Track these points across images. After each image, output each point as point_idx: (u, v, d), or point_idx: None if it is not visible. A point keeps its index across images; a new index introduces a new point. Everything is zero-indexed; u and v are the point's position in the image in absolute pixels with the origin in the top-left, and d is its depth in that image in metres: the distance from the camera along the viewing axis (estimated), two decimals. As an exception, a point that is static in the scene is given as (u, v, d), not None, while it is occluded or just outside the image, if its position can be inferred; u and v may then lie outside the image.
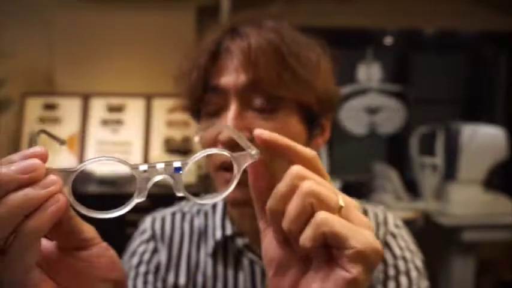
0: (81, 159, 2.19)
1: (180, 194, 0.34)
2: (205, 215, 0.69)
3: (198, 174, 1.99)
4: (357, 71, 2.36)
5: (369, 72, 2.34)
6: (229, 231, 0.65)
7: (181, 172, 0.34)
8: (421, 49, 2.88)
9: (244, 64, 0.55)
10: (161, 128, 2.25)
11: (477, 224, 2.04)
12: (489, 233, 2.07)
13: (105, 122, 2.26)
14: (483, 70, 2.91)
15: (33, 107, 2.25)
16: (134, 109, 2.26)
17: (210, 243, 0.66)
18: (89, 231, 0.35)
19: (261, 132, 0.34)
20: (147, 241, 0.69)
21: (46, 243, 0.34)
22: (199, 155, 0.35)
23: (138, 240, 0.70)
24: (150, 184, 0.34)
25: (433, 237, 2.11)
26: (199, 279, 0.65)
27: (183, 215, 0.71)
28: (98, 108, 2.27)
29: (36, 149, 0.31)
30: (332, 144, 2.49)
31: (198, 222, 0.69)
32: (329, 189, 0.33)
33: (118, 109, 2.27)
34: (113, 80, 2.30)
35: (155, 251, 0.68)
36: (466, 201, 2.08)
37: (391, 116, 2.31)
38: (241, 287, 0.64)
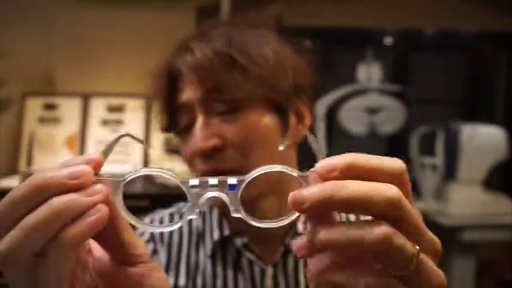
0: (81, 159, 2.19)
1: (236, 215, 0.31)
2: (203, 216, 0.69)
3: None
4: (357, 71, 2.36)
5: (369, 72, 2.34)
6: (227, 231, 0.65)
7: (236, 190, 0.31)
8: (421, 49, 2.87)
9: (197, 78, 0.57)
10: (161, 128, 2.25)
11: (477, 224, 2.04)
12: (489, 233, 2.07)
13: (105, 122, 2.26)
14: (483, 70, 2.91)
15: (33, 107, 2.25)
16: (134, 109, 2.26)
17: (209, 244, 0.66)
18: (139, 247, 0.33)
19: (326, 163, 0.28)
20: (147, 242, 0.69)
21: (104, 254, 0.33)
22: (259, 171, 0.31)
23: None
24: (202, 200, 0.31)
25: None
26: (199, 280, 0.65)
27: (181, 216, 0.70)
28: (98, 108, 2.27)
29: (91, 155, 0.31)
30: (332, 144, 2.49)
31: (196, 223, 0.69)
32: (406, 242, 0.27)
33: (118, 109, 2.27)
34: (113, 80, 2.30)
35: (154, 252, 0.68)
36: (466, 201, 2.08)
37: (391, 116, 2.31)
38: (241, 287, 0.64)
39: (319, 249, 0.27)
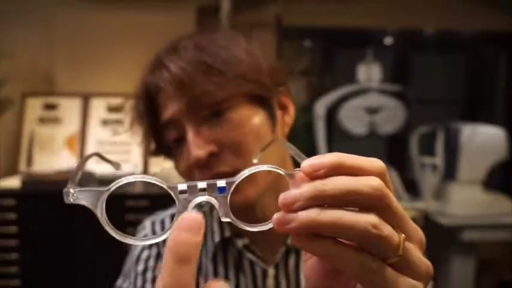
0: (81, 159, 2.20)
1: (226, 219, 0.30)
2: (204, 216, 0.69)
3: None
4: (357, 71, 2.36)
5: (369, 72, 2.34)
6: (227, 233, 0.65)
7: (225, 193, 0.30)
8: (421, 49, 2.88)
9: (175, 91, 0.58)
10: (161, 128, 2.25)
11: (477, 224, 2.04)
12: (489, 233, 2.07)
13: (105, 122, 2.26)
14: (483, 70, 2.91)
15: (33, 107, 2.25)
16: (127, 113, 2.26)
17: (210, 246, 0.66)
18: None
19: (311, 163, 0.29)
20: (150, 246, 0.69)
21: None
22: (247, 172, 0.31)
23: (140, 246, 0.70)
24: (191, 207, 0.30)
25: (433, 237, 2.10)
26: (201, 281, 0.65)
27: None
28: (98, 108, 2.27)
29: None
30: (332, 144, 2.49)
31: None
32: (391, 230, 0.28)
33: (118, 109, 2.27)
34: (113, 80, 2.30)
35: (159, 256, 0.68)
36: (466, 201, 2.08)
37: (391, 116, 2.31)
38: (243, 287, 0.64)
39: (305, 228, 0.28)
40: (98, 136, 2.24)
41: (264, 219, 0.31)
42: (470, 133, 2.11)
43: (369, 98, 2.32)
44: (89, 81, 2.31)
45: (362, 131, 2.32)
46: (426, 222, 2.08)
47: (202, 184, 0.29)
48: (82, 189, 0.30)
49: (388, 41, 2.79)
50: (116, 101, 2.27)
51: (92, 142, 2.22)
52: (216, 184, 0.30)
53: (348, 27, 2.59)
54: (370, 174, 0.29)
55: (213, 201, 0.30)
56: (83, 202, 0.31)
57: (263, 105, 0.60)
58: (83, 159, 0.33)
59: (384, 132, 2.34)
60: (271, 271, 0.64)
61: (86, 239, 1.90)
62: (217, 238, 0.65)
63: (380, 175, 0.30)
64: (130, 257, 0.70)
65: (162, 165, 2.01)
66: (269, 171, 0.31)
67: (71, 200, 0.31)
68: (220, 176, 0.51)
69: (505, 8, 2.49)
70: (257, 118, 0.59)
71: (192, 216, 0.26)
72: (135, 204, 1.80)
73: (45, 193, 1.88)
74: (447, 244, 2.13)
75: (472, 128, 2.14)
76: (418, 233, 0.31)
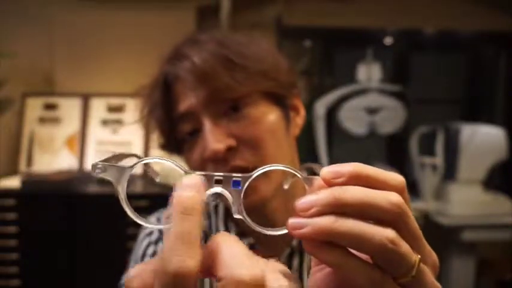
0: (81, 159, 2.19)
1: (238, 216, 0.30)
2: (209, 216, 0.70)
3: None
4: (357, 71, 2.36)
5: (369, 72, 2.34)
6: (233, 232, 0.65)
7: (240, 187, 0.29)
8: (421, 49, 2.87)
9: (196, 81, 0.57)
10: (161, 128, 2.25)
11: (477, 224, 2.04)
12: (489, 233, 2.07)
13: (105, 122, 2.26)
14: (483, 70, 2.91)
15: (33, 107, 2.25)
16: (134, 109, 2.26)
17: None
18: None
19: (331, 170, 0.28)
20: (156, 242, 0.69)
21: None
22: (264, 168, 0.30)
23: (146, 241, 0.70)
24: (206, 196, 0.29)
25: (433, 237, 2.09)
26: (207, 280, 0.65)
27: None
28: (98, 108, 2.27)
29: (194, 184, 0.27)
30: (332, 144, 2.49)
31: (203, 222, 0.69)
32: (408, 249, 0.27)
33: (118, 109, 2.27)
34: (113, 80, 2.30)
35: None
36: (466, 201, 2.08)
37: (391, 116, 2.31)
38: None
39: (319, 235, 0.27)
40: (98, 136, 2.24)
41: (273, 221, 0.30)
42: (470, 133, 2.11)
43: (369, 98, 2.31)
44: (89, 81, 2.31)
45: (362, 131, 2.32)
46: (426, 222, 2.08)
47: (218, 176, 0.29)
48: (108, 164, 0.30)
49: (388, 41, 2.79)
50: (116, 101, 2.27)
51: (92, 142, 2.22)
52: (231, 177, 0.29)
53: (348, 27, 2.59)
54: (390, 188, 0.28)
55: (227, 195, 0.29)
56: (107, 176, 0.31)
57: (279, 104, 0.61)
58: (127, 154, 0.34)
59: (384, 132, 2.34)
60: None
61: (86, 239, 1.90)
62: None
63: (399, 191, 0.28)
64: (135, 254, 0.70)
65: (162, 165, 2.01)
66: (283, 173, 0.31)
67: (97, 172, 0.31)
68: (236, 170, 0.52)
69: (505, 8, 2.49)
70: (274, 116, 0.59)
71: (193, 178, 0.27)
72: (135, 204, 1.79)
73: (45, 193, 1.88)
74: (447, 244, 2.13)
75: (472, 128, 2.14)
76: (433, 256, 0.30)
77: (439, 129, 2.26)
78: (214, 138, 0.55)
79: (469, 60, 2.93)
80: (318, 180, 0.29)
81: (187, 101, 0.58)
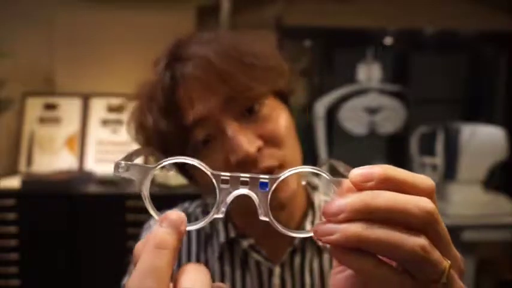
0: (81, 159, 2.19)
1: (264, 219, 0.30)
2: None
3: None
4: (357, 71, 2.36)
5: (369, 72, 2.34)
6: (232, 233, 0.65)
7: (267, 189, 0.29)
8: (421, 49, 2.87)
9: (212, 82, 0.53)
10: (161, 128, 2.25)
11: (477, 224, 2.04)
12: (489, 233, 2.07)
13: (105, 122, 2.26)
14: (483, 70, 2.91)
15: (33, 107, 2.25)
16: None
17: (216, 246, 0.66)
18: None
19: (361, 172, 0.27)
20: None
21: None
22: (293, 170, 0.30)
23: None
24: (230, 198, 0.29)
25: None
26: None
27: (188, 216, 0.71)
28: (98, 108, 2.27)
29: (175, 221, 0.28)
30: (332, 144, 2.49)
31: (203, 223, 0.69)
32: (439, 256, 0.27)
33: (118, 109, 2.27)
34: (113, 80, 2.30)
35: None
36: (466, 201, 2.08)
37: (391, 116, 2.31)
38: (249, 286, 0.64)
39: (349, 242, 0.26)
40: (98, 136, 2.23)
41: (288, 222, 0.30)
42: (470, 133, 2.11)
43: (369, 98, 2.31)
44: (89, 81, 2.31)
45: (362, 131, 2.32)
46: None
47: (244, 176, 0.29)
48: (131, 163, 0.30)
49: (388, 41, 2.79)
50: (116, 101, 2.27)
51: (92, 142, 2.22)
52: (258, 179, 0.29)
53: (348, 27, 2.59)
54: (419, 192, 0.28)
55: (254, 196, 0.29)
56: (130, 176, 0.31)
57: (285, 103, 0.61)
58: (146, 150, 0.34)
59: (384, 132, 2.34)
60: (277, 270, 0.64)
61: (85, 239, 1.89)
62: (222, 238, 0.66)
63: (429, 195, 0.28)
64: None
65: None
66: (301, 175, 0.31)
67: (120, 171, 0.31)
68: (268, 171, 0.51)
69: (505, 8, 2.49)
70: (286, 115, 0.59)
71: (175, 214, 0.28)
72: (135, 204, 1.79)
73: (45, 193, 1.88)
74: (447, 244, 2.13)
75: (472, 128, 2.14)
76: (459, 260, 0.30)
77: (439, 129, 2.26)
78: (245, 142, 0.52)
79: (469, 60, 2.93)
80: (346, 183, 0.28)
81: (202, 104, 0.53)
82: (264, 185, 0.29)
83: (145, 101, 0.58)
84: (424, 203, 0.27)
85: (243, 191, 0.29)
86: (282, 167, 0.54)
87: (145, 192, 0.31)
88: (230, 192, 0.29)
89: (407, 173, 0.28)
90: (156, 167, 0.31)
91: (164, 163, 0.30)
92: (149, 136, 0.58)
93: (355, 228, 0.26)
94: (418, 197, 0.27)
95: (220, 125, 0.54)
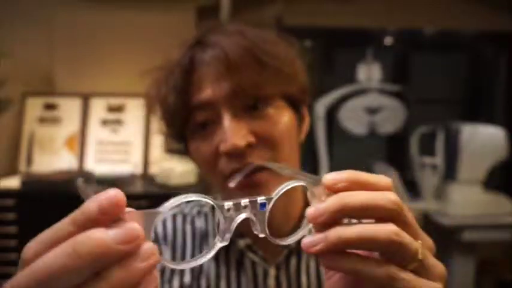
0: (81, 159, 2.19)
1: (261, 235, 0.33)
2: (205, 216, 0.70)
3: (197, 174, 1.99)
4: (357, 71, 2.36)
5: (369, 72, 2.34)
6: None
7: (265, 209, 0.32)
8: (421, 49, 2.88)
9: (224, 72, 0.55)
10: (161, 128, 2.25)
11: (477, 224, 2.04)
12: (489, 233, 2.07)
13: (105, 122, 2.26)
14: (483, 70, 2.91)
15: (33, 107, 2.25)
16: (134, 109, 2.26)
17: (212, 245, 0.66)
18: None
19: (332, 177, 0.31)
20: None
21: None
22: (284, 187, 0.33)
23: None
24: (234, 225, 0.31)
25: (433, 237, 2.10)
26: (203, 281, 0.65)
27: (184, 217, 0.71)
28: (98, 108, 2.27)
29: (112, 194, 0.26)
30: (332, 144, 2.49)
31: (199, 224, 0.69)
32: (410, 238, 0.31)
33: (118, 109, 2.27)
34: (113, 80, 2.30)
35: (159, 253, 0.68)
36: (466, 201, 2.08)
37: (391, 116, 2.31)
38: (244, 287, 0.64)
39: (333, 247, 0.30)
40: (98, 136, 2.23)
41: (283, 225, 0.33)
42: (470, 133, 2.11)
43: (369, 98, 2.31)
44: (89, 81, 2.31)
45: (362, 131, 2.32)
46: (426, 222, 2.08)
47: (245, 201, 0.31)
48: (131, 211, 0.28)
49: (388, 41, 2.79)
50: (116, 101, 2.27)
51: (91, 142, 2.22)
52: (257, 201, 0.32)
53: (348, 27, 2.59)
54: (381, 189, 0.31)
55: (253, 218, 0.32)
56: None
57: (294, 108, 0.61)
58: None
59: (384, 132, 2.34)
60: (272, 271, 0.64)
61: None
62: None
63: (389, 190, 0.32)
64: None
65: (162, 166, 2.01)
66: (291, 177, 0.34)
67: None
68: (251, 167, 0.53)
69: (505, 8, 2.49)
70: (290, 118, 0.60)
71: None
72: (135, 204, 1.79)
73: (45, 193, 1.88)
74: (447, 244, 2.13)
75: (472, 128, 2.14)
76: (429, 240, 0.34)
77: (439, 129, 2.26)
78: (235, 133, 0.54)
79: (469, 60, 2.93)
80: (319, 190, 0.32)
81: (210, 90, 0.56)
82: (263, 206, 0.32)
83: (164, 75, 0.61)
84: (391, 196, 0.30)
85: (243, 216, 0.31)
86: (268, 168, 0.55)
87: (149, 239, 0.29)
88: (233, 219, 0.31)
89: (368, 174, 0.32)
90: (161, 213, 0.30)
91: (171, 206, 0.30)
92: (158, 107, 0.62)
93: (335, 233, 0.29)
94: (385, 192, 0.31)
95: (220, 113, 0.56)
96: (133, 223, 0.26)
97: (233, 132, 0.54)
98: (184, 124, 0.59)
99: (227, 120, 0.55)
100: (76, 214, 0.26)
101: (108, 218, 0.26)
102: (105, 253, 0.25)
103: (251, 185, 0.55)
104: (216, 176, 0.58)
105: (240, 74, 0.55)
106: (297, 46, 0.63)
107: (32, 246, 0.27)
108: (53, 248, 0.25)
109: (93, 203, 0.25)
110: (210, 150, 0.57)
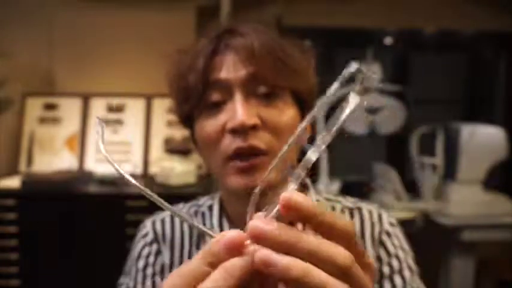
0: (81, 159, 2.19)
1: None
2: (203, 215, 0.70)
3: (197, 174, 1.99)
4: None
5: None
6: (226, 229, 0.65)
7: None
8: (421, 49, 2.88)
9: (246, 59, 0.59)
10: (161, 128, 2.25)
11: (477, 224, 2.04)
12: (489, 233, 2.07)
13: (105, 122, 2.26)
14: (483, 70, 2.91)
15: (33, 107, 2.25)
16: (134, 109, 2.26)
17: (209, 242, 0.66)
18: None
19: (289, 197, 0.30)
20: (150, 243, 0.70)
21: None
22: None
23: (141, 243, 0.71)
24: None
25: (433, 237, 2.11)
26: None
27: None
28: (98, 108, 2.27)
29: (237, 238, 0.32)
30: (332, 144, 2.48)
31: (197, 223, 0.70)
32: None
33: (118, 109, 2.27)
34: (113, 80, 2.30)
35: (158, 252, 0.69)
36: (466, 201, 2.08)
37: (391, 116, 2.31)
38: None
39: (254, 264, 0.29)
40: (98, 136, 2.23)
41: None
42: (470, 133, 2.11)
43: (369, 98, 2.31)
44: (89, 81, 2.31)
45: (362, 131, 2.32)
46: (426, 222, 2.08)
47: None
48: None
49: (388, 41, 2.79)
50: (116, 101, 2.27)
51: (91, 142, 2.22)
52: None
53: (348, 27, 2.59)
54: (339, 235, 0.30)
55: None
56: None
57: (301, 108, 0.64)
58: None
59: (384, 132, 2.34)
60: None
61: (85, 239, 1.90)
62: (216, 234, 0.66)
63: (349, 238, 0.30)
64: (132, 255, 0.71)
65: (162, 165, 2.02)
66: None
67: None
68: (254, 149, 0.57)
69: (505, 8, 2.49)
70: (295, 115, 0.63)
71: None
72: (135, 204, 1.80)
73: (45, 193, 1.88)
74: (447, 244, 2.13)
75: (472, 128, 2.14)
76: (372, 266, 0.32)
77: (439, 129, 2.26)
78: (245, 112, 0.57)
79: (469, 60, 2.93)
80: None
81: (228, 71, 0.60)
82: None
83: (188, 57, 0.63)
84: (341, 256, 0.28)
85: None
86: (266, 153, 0.58)
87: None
88: None
89: (327, 212, 0.31)
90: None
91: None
92: (176, 84, 0.64)
93: (263, 257, 0.28)
94: (338, 250, 0.29)
95: (233, 94, 0.59)
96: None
97: (243, 110, 0.57)
98: (197, 102, 0.61)
99: (238, 99, 0.58)
100: (207, 256, 0.32)
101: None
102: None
103: (249, 169, 0.57)
104: (217, 156, 0.60)
105: (260, 63, 0.59)
106: (311, 53, 0.67)
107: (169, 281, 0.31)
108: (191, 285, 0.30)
109: (222, 248, 0.31)
110: (216, 129, 0.59)
